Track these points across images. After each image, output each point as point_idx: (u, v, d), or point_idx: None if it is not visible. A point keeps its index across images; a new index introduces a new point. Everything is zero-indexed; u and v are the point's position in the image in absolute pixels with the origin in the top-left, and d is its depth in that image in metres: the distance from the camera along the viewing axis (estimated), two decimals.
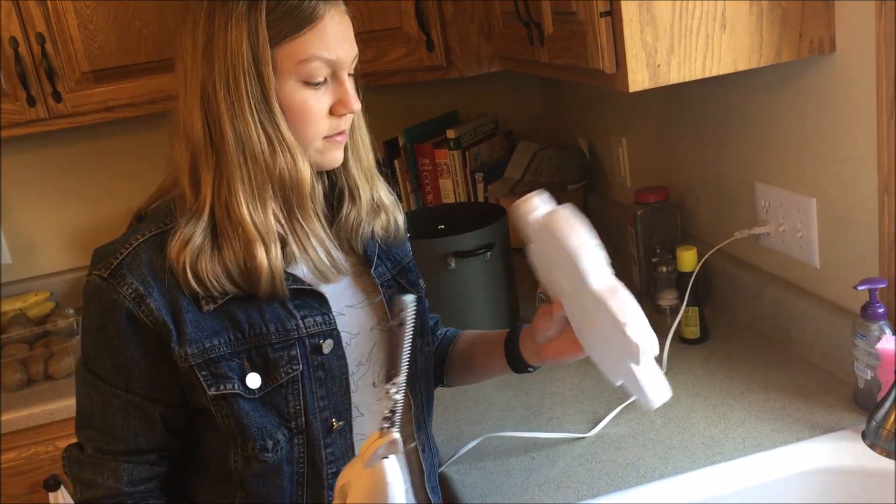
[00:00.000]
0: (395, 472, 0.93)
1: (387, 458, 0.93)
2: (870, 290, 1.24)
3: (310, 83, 0.99)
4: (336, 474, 1.06)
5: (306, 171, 1.01)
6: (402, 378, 0.94)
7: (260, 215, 0.99)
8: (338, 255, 1.06)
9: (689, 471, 1.22)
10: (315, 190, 1.04)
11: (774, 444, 1.25)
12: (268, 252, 0.99)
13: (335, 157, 1.06)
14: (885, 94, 1.21)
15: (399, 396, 0.94)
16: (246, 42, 0.96)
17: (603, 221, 2.27)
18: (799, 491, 1.19)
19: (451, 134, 2.30)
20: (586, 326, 1.05)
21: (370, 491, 0.92)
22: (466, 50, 1.97)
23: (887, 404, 1.08)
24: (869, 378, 1.26)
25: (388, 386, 0.94)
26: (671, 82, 1.25)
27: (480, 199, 2.29)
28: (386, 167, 2.37)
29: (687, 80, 1.26)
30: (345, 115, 1.03)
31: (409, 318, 0.93)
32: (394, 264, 1.17)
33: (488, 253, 1.72)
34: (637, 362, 0.96)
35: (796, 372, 1.44)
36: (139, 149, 2.31)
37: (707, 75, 1.26)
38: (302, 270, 1.06)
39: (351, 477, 0.95)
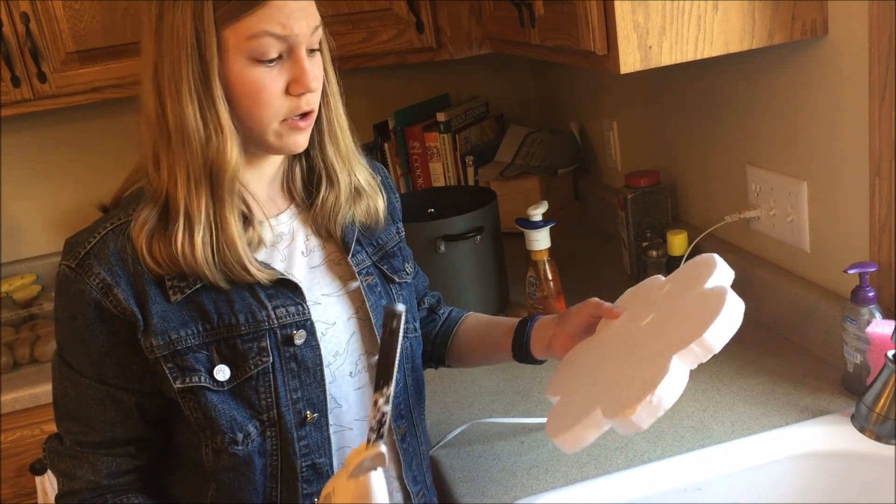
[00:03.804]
0: (380, 485, 0.92)
1: (373, 469, 0.91)
2: (860, 274, 1.23)
3: (261, 60, 0.95)
4: (311, 467, 1.05)
5: (232, 161, 0.96)
6: (391, 389, 0.91)
7: (194, 200, 0.96)
8: (252, 259, 0.99)
9: (678, 454, 1.22)
10: (236, 182, 0.98)
11: (763, 427, 1.25)
12: (203, 239, 0.96)
13: (296, 142, 1.01)
14: (877, 78, 1.21)
15: (388, 408, 0.91)
16: (191, 23, 0.93)
17: (593, 205, 2.27)
18: (788, 474, 1.20)
19: (441, 117, 2.28)
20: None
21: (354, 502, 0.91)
22: (457, 32, 1.95)
23: (876, 388, 1.08)
24: (858, 362, 1.26)
25: (376, 395, 0.91)
26: (663, 64, 1.24)
27: (471, 183, 2.28)
28: (376, 150, 2.36)
29: (679, 61, 1.25)
30: (303, 94, 0.98)
31: (400, 329, 0.91)
32: (375, 249, 1.15)
33: (478, 236, 1.71)
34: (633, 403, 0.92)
35: (785, 356, 1.44)
36: (126, 130, 2.28)
37: (699, 57, 1.25)
38: (276, 260, 1.05)
39: (335, 487, 0.94)
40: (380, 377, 0.90)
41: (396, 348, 0.89)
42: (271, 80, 0.96)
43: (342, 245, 1.11)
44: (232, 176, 0.97)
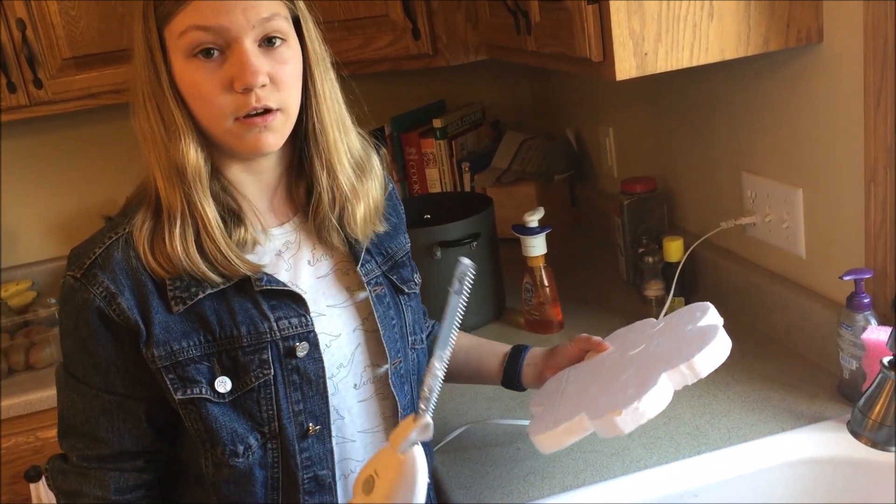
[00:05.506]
0: (423, 460, 0.90)
1: (417, 444, 0.89)
2: (855, 281, 1.23)
3: (198, 56, 0.93)
4: (313, 479, 1.04)
5: (191, 158, 0.96)
6: (447, 353, 0.88)
7: (171, 196, 0.97)
8: (236, 250, 0.98)
9: (674, 461, 1.22)
10: (204, 178, 0.97)
11: (759, 433, 1.25)
12: (184, 232, 0.96)
13: (257, 140, 0.96)
14: (872, 85, 1.21)
15: (441, 374, 0.88)
16: (141, 27, 0.95)
17: (589, 211, 2.27)
18: (783, 480, 1.19)
19: (437, 123, 2.29)
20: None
21: (399, 481, 0.88)
22: (453, 38, 1.95)
23: (872, 394, 1.08)
24: (854, 368, 1.26)
25: (432, 361, 0.87)
26: (658, 71, 1.24)
27: (467, 189, 2.29)
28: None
29: (674, 68, 1.25)
30: (250, 90, 0.93)
31: (467, 285, 0.86)
32: (385, 259, 1.13)
33: (474, 243, 1.71)
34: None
35: (781, 362, 1.44)
36: (123, 137, 2.25)
37: (694, 64, 1.25)
38: (281, 269, 1.04)
39: (379, 466, 0.91)
40: (443, 339, 0.88)
41: (459, 307, 0.88)
42: (209, 76, 0.93)
43: (351, 254, 1.09)
44: (195, 172, 0.96)
